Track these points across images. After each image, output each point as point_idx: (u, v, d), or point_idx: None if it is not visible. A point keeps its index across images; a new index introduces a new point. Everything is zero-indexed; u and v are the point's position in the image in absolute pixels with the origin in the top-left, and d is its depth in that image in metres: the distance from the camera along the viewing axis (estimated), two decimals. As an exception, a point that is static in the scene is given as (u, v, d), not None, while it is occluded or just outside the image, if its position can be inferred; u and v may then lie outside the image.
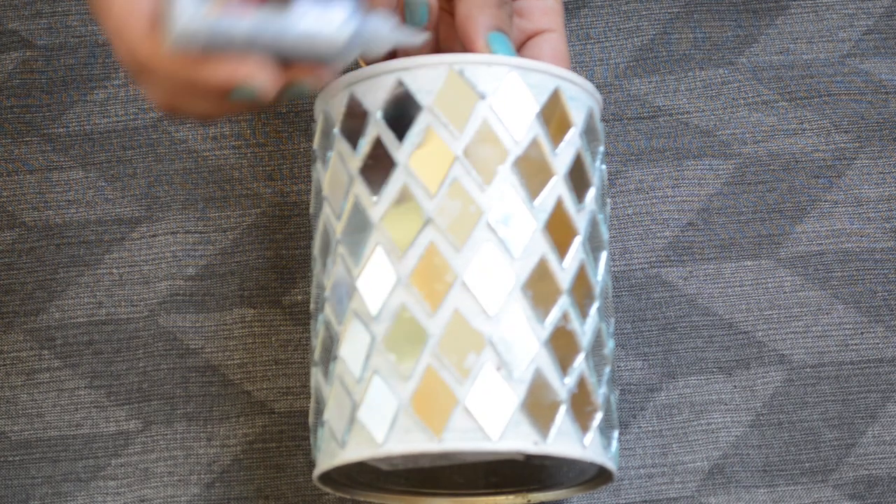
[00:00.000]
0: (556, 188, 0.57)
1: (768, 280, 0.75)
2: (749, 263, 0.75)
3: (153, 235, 0.76)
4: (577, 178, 0.58)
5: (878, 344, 0.73)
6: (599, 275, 0.59)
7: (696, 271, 0.75)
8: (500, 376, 0.54)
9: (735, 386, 0.72)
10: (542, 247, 0.56)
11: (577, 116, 0.58)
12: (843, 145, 0.77)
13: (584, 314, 0.57)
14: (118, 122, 0.79)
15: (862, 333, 0.74)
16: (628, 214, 0.76)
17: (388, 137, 0.56)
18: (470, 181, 0.55)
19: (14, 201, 0.77)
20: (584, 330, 0.57)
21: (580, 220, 0.58)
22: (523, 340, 0.55)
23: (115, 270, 0.75)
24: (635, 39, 0.80)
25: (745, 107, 0.78)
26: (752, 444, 0.71)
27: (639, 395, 0.72)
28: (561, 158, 0.57)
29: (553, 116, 0.57)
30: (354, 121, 0.58)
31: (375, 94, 0.57)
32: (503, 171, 0.56)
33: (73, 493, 0.71)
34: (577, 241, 0.57)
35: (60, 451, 0.72)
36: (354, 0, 0.51)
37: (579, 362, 0.56)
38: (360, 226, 0.57)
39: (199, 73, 0.48)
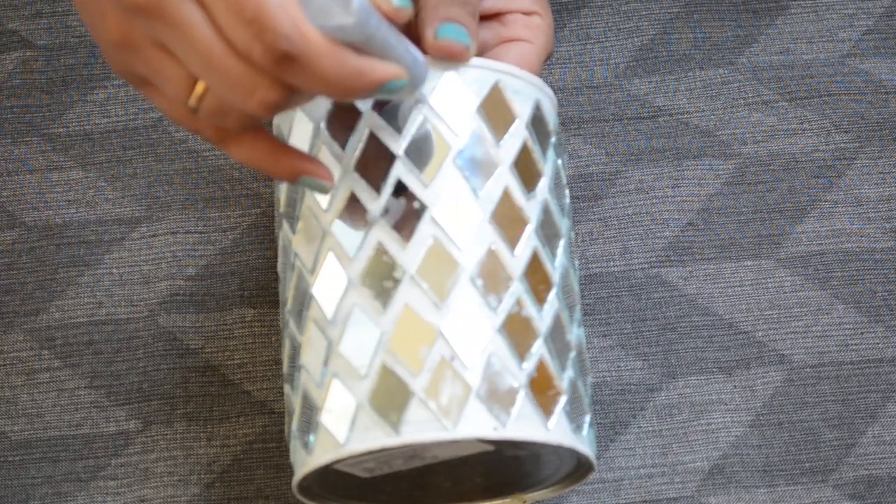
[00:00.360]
0: (502, 179, 0.57)
1: (768, 280, 0.75)
2: (749, 263, 0.75)
3: (153, 235, 0.76)
4: (525, 169, 0.58)
5: (878, 344, 0.73)
6: (557, 262, 0.59)
7: (696, 271, 0.75)
8: (452, 366, 0.55)
9: (735, 386, 0.72)
10: (490, 236, 0.56)
11: (522, 109, 0.59)
12: (843, 145, 0.77)
13: (540, 300, 0.57)
14: (118, 122, 0.79)
15: (862, 333, 0.74)
16: (628, 214, 0.76)
17: (333, 147, 0.57)
18: (413, 179, 0.56)
19: (14, 201, 0.77)
20: (542, 316, 0.57)
21: (531, 209, 0.58)
22: (475, 329, 0.55)
23: (115, 270, 0.75)
24: (635, 39, 0.80)
25: (745, 107, 0.78)
26: (752, 444, 0.71)
27: (639, 395, 0.72)
28: (505, 150, 0.58)
29: (495, 110, 0.58)
30: (302, 135, 0.59)
31: (318, 106, 0.58)
32: (446, 166, 0.56)
33: (73, 493, 0.71)
34: (529, 230, 0.58)
35: (60, 451, 0.72)
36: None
37: (538, 347, 0.56)
38: (313, 235, 0.58)
39: (364, 66, 0.48)
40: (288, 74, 0.48)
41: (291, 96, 0.49)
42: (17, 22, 0.81)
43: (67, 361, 0.74)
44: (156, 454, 0.72)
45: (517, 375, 0.55)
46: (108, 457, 0.72)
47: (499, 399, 0.55)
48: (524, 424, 0.55)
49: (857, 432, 0.72)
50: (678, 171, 0.77)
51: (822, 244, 0.75)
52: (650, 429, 0.72)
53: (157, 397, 0.73)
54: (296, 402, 0.58)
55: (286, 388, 0.60)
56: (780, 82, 0.79)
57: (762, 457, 0.71)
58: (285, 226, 0.60)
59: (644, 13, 0.81)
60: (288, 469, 0.72)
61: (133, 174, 0.77)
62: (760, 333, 0.74)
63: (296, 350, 0.58)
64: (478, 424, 0.54)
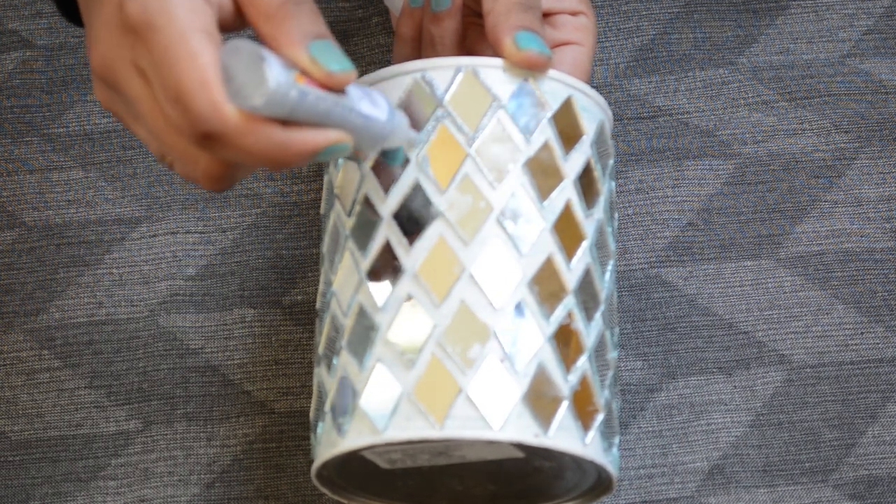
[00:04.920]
0: (566, 191, 0.58)
1: (768, 280, 0.75)
2: (749, 263, 0.75)
3: (153, 235, 0.76)
4: (587, 185, 0.59)
5: (878, 344, 0.73)
6: (605, 282, 0.60)
7: (696, 271, 0.75)
8: (503, 367, 0.55)
9: (735, 386, 0.72)
10: (550, 246, 0.57)
11: (589, 126, 0.59)
12: (843, 145, 0.77)
13: (589, 317, 0.58)
14: (118, 122, 0.79)
15: (862, 333, 0.74)
16: (628, 214, 0.76)
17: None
18: (481, 178, 0.56)
19: (14, 201, 0.77)
20: (589, 332, 0.58)
21: (588, 226, 0.58)
22: (528, 334, 0.55)
23: (115, 270, 0.75)
24: (635, 39, 0.80)
25: (745, 107, 0.78)
26: (752, 444, 0.71)
27: (639, 395, 0.72)
28: (571, 164, 0.58)
29: (565, 123, 0.58)
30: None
31: (390, 94, 0.58)
32: (514, 170, 0.57)
33: (73, 493, 0.71)
34: (585, 245, 0.58)
35: (60, 451, 0.72)
36: (386, 97, 0.54)
37: (582, 362, 0.57)
38: (369, 221, 0.57)
39: (291, 139, 0.48)
40: (215, 151, 0.48)
41: (237, 169, 0.50)
42: (17, 22, 0.81)
43: (67, 361, 0.74)
44: (156, 454, 0.72)
45: (562, 386, 0.56)
46: (108, 457, 0.72)
47: (543, 407, 0.55)
48: (564, 436, 0.55)
49: (857, 432, 0.72)
50: (678, 171, 0.77)
51: (822, 244, 0.75)
52: (650, 429, 0.72)
53: (157, 397, 0.73)
54: (331, 384, 0.58)
55: (320, 369, 0.60)
56: (780, 82, 0.79)
57: (762, 457, 0.71)
58: (338, 206, 0.60)
59: (644, 13, 0.81)
60: (288, 469, 0.72)
61: (133, 174, 0.77)
62: (760, 333, 0.74)
63: (338, 331, 0.58)
64: (521, 429, 0.54)
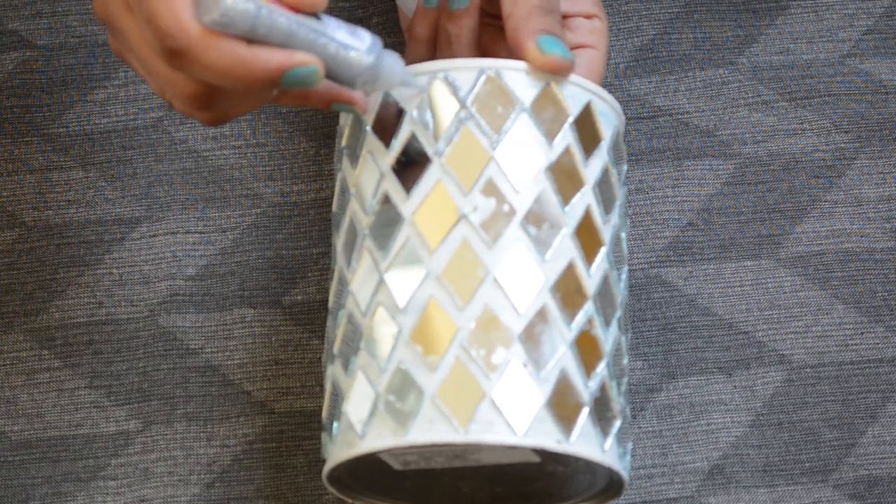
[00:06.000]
0: (586, 197, 0.58)
1: (768, 280, 0.75)
2: (749, 263, 0.75)
3: (153, 235, 0.76)
4: (605, 191, 0.59)
5: (878, 344, 0.73)
6: (621, 288, 0.60)
7: (696, 271, 0.75)
8: (527, 372, 0.55)
9: (735, 386, 0.73)
10: (572, 251, 0.57)
11: (606, 132, 0.60)
12: (843, 145, 0.77)
13: (607, 323, 0.58)
14: (118, 122, 0.79)
15: (862, 333, 0.74)
16: (628, 214, 0.76)
17: (425, 135, 0.57)
18: (504, 181, 0.56)
19: (14, 201, 0.77)
20: (607, 338, 0.58)
21: (606, 232, 0.59)
22: (550, 340, 0.56)
23: (115, 270, 0.75)
24: (635, 39, 0.80)
25: (745, 107, 0.78)
26: (752, 444, 0.71)
27: (639, 396, 0.72)
28: (591, 169, 0.58)
29: (585, 129, 0.58)
30: (388, 119, 0.58)
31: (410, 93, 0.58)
32: (537, 175, 0.57)
33: (73, 493, 0.71)
34: (603, 252, 0.58)
35: (60, 451, 0.72)
36: (374, 35, 0.54)
37: (602, 368, 0.57)
38: (390, 220, 0.57)
39: (255, 56, 0.50)
40: (184, 68, 0.50)
41: (214, 92, 0.51)
42: (17, 22, 0.81)
43: (67, 361, 0.74)
44: (156, 454, 0.72)
45: (583, 393, 0.56)
46: (108, 457, 0.72)
47: (565, 413, 0.55)
48: (585, 442, 0.55)
49: (857, 432, 0.72)
50: (678, 171, 0.77)
51: (822, 244, 0.75)
52: (650, 429, 0.72)
53: (157, 397, 0.73)
54: (348, 384, 0.57)
55: (334, 368, 0.59)
56: (780, 82, 0.79)
57: (762, 457, 0.71)
58: (354, 204, 0.59)
59: (644, 13, 0.81)
60: (288, 469, 0.72)
61: (133, 174, 0.77)
62: (760, 333, 0.74)
63: (356, 331, 0.58)
64: (543, 435, 0.54)
